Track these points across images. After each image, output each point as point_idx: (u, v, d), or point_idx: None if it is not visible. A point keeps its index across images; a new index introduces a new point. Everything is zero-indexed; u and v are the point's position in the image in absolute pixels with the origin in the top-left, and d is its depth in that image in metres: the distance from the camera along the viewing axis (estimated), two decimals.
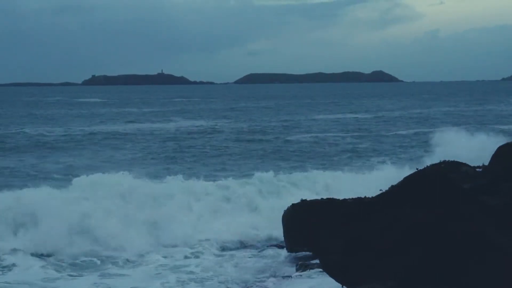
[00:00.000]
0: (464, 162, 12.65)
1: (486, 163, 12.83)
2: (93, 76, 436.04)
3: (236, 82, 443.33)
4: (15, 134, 47.79)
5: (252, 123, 59.69)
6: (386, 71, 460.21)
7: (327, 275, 11.55)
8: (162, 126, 56.40)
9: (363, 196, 15.93)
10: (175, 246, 18.11)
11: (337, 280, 10.84)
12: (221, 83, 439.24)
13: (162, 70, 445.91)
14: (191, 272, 15.83)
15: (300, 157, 34.07)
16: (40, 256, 16.73)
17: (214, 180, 23.71)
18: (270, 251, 17.60)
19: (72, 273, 15.62)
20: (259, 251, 17.89)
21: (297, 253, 16.15)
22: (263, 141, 41.62)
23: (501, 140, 22.24)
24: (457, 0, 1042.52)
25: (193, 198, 20.97)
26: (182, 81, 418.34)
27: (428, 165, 14.65)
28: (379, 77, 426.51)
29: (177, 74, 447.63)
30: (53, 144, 40.72)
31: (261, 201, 21.13)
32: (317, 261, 13.84)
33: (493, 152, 14.80)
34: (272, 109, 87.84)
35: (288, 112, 77.71)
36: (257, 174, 23.55)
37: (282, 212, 16.79)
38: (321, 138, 43.12)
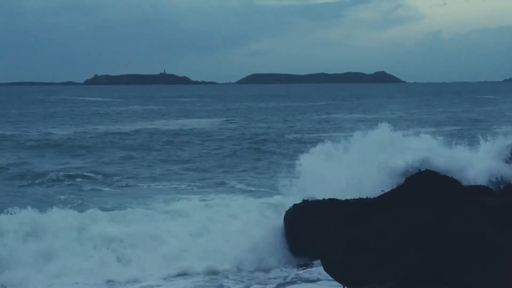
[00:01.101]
0: None
1: None
2: (95, 75, 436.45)
3: (238, 82, 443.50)
4: (22, 134, 47.87)
5: (250, 123, 59.74)
6: (388, 71, 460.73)
7: (328, 275, 11.60)
8: (161, 126, 56.42)
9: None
10: None
11: (338, 280, 10.88)
12: (223, 83, 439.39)
13: (164, 70, 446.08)
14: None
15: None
16: None
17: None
18: None
19: None
20: None
21: (298, 253, 16.14)
22: (263, 141, 41.58)
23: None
24: (460, 1, 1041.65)
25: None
26: (184, 81, 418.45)
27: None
28: (381, 77, 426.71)
29: (179, 74, 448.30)
30: (57, 144, 40.79)
31: None
32: (318, 261, 13.87)
33: None
34: (274, 108, 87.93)
35: (290, 112, 77.75)
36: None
37: None
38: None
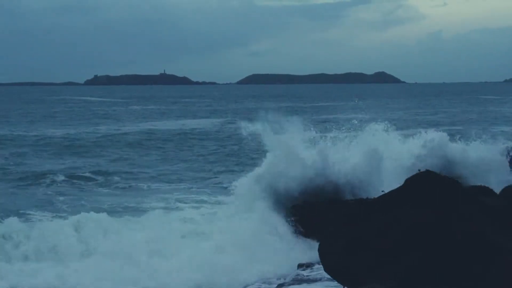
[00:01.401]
0: None
1: None
2: (96, 76, 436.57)
3: (239, 82, 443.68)
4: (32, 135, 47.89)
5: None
6: (389, 72, 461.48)
7: (328, 275, 11.58)
8: (161, 126, 56.45)
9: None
10: None
11: (338, 281, 10.87)
12: (223, 84, 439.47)
13: (164, 70, 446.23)
14: None
15: None
16: None
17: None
18: None
19: None
20: None
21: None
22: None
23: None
24: (460, 2, 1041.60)
25: None
26: (184, 81, 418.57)
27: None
28: (382, 78, 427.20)
29: (179, 74, 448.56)
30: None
31: None
32: (318, 260, 13.86)
33: None
34: (274, 109, 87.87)
35: (288, 113, 77.68)
36: None
37: None
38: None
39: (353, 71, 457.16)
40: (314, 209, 16.84)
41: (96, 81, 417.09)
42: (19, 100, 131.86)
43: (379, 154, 17.70)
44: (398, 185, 11.13)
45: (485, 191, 10.70)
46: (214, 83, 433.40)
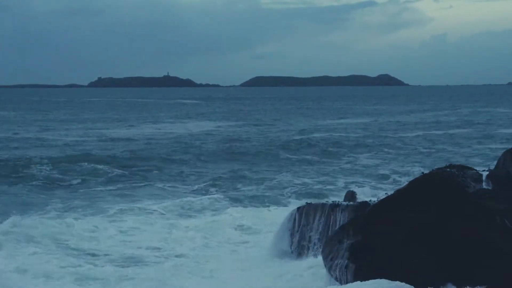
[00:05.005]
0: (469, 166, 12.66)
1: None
2: (99, 78, 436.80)
3: (242, 85, 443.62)
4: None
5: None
6: (392, 74, 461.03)
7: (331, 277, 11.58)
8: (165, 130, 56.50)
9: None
10: None
11: (341, 283, 10.87)
12: (227, 86, 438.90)
13: (168, 73, 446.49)
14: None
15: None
16: None
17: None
18: None
19: None
20: None
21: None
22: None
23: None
24: (466, 4, 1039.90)
25: None
26: (188, 83, 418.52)
27: (434, 169, 14.63)
28: (385, 80, 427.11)
29: (183, 76, 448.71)
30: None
31: None
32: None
33: None
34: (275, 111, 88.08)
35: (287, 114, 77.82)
36: None
37: None
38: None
39: (356, 73, 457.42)
40: (317, 212, 16.79)
41: (100, 83, 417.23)
42: (23, 102, 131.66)
43: None
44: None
45: (488, 194, 10.72)
46: (217, 86, 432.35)
